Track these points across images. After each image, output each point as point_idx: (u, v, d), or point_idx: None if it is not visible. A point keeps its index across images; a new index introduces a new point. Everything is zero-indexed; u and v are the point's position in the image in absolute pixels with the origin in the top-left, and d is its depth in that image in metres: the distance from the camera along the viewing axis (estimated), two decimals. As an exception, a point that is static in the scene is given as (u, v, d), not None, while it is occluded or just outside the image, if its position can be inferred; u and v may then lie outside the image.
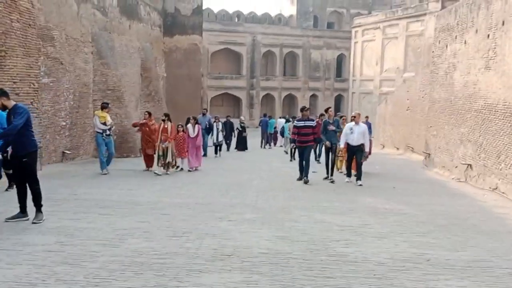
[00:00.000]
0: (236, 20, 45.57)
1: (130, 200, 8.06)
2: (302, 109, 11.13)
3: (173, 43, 24.73)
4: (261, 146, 23.95)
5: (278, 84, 45.17)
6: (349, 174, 11.12)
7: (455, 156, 12.33)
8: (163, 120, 12.41)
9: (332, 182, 10.95)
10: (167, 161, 12.02)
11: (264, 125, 24.01)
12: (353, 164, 11.02)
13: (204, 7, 43.33)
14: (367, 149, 10.98)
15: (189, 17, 24.86)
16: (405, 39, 32.93)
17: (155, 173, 11.83)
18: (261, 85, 44.46)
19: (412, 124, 19.45)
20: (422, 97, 18.12)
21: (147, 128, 12.91)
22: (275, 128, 26.58)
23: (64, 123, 14.34)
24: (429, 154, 14.71)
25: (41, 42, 12.87)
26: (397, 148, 21.22)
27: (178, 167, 12.79)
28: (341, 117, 13.24)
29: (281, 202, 8.40)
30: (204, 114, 18.14)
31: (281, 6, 50.33)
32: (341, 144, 10.96)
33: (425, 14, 30.89)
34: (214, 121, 18.46)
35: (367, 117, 17.05)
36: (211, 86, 42.29)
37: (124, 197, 8.37)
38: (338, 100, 47.86)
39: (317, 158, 15.41)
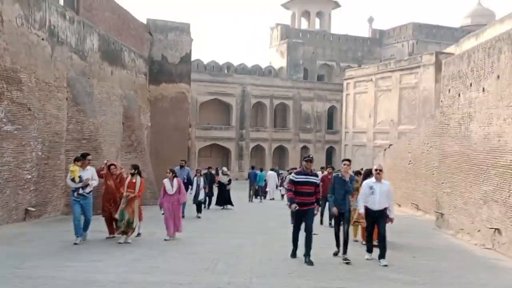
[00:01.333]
0: (226, 71, 44.97)
1: (87, 279, 6.25)
2: (306, 159, 8.35)
3: (159, 91, 23.45)
4: (249, 200, 22.73)
5: (268, 136, 43.98)
6: (369, 249, 8.52)
7: (477, 218, 10.74)
8: (131, 174, 10.09)
9: (348, 263, 8.02)
10: (127, 225, 9.59)
11: (252, 178, 23.01)
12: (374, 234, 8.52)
13: (193, 58, 42.73)
14: (392, 215, 8.41)
15: (176, 65, 23.74)
16: (398, 92, 32.22)
17: (119, 242, 9.49)
18: (250, 136, 43.22)
19: (415, 179, 17.97)
20: (427, 150, 16.75)
21: (111, 182, 10.30)
22: (265, 180, 26.06)
23: (29, 176, 12.59)
24: (441, 214, 13.12)
25: (4, 85, 11.37)
26: (399, 205, 19.59)
27: (139, 234, 10.22)
28: (357, 173, 10.77)
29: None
30: (182, 167, 15.70)
31: (271, 59, 50.12)
32: (361, 209, 8.46)
33: (418, 67, 30.36)
34: (195, 175, 16.19)
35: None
36: (199, 136, 40.92)
37: (81, 274, 6.55)
38: (330, 153, 46.68)
39: (330, 221, 12.09)
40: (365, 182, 8.64)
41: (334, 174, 9.73)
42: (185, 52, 23.98)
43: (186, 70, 24.09)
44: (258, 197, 23.64)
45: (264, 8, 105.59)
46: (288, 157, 44.53)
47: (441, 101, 13.06)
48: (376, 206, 8.29)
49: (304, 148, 45.60)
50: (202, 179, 16.13)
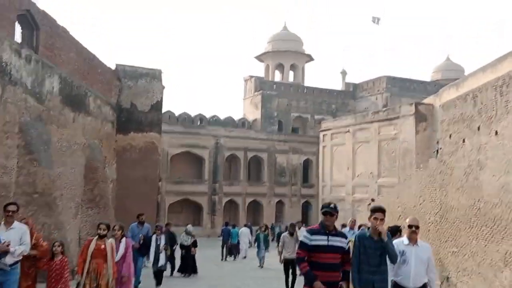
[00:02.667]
0: (199, 123, 43.62)
1: None
2: (326, 211, 5.65)
3: (127, 141, 21.70)
4: (222, 259, 21.50)
5: (242, 190, 42.16)
6: None
7: (496, 283, 9.19)
8: (100, 236, 7.67)
9: None
10: None
11: (226, 235, 21.90)
12: None
13: (165, 109, 41.29)
14: None
15: (146, 113, 22.19)
16: (377, 143, 31.39)
17: None
18: (224, 191, 41.32)
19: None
20: (420, 204, 15.35)
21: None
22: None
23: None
24: (447, 277, 11.53)
25: None
26: (389, 264, 17.89)
27: None
28: (397, 229, 8.11)
29: None
30: (141, 222, 12.78)
31: (245, 110, 49.25)
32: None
33: (397, 117, 29.75)
34: (154, 233, 13.07)
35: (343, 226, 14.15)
36: (170, 191, 38.77)
37: None
38: (306, 208, 45.07)
39: None
40: (394, 242, 6.18)
41: (358, 233, 6.46)
42: (156, 100, 22.53)
43: (156, 118, 22.54)
44: (232, 255, 22.27)
45: (237, 60, 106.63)
46: (262, 212, 42.64)
47: (440, 149, 11.81)
48: (410, 283, 5.98)
49: (280, 203, 43.91)
50: (163, 237, 12.96)
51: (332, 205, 5.76)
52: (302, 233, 6.33)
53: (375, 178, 31.19)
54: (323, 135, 36.63)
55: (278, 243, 24.22)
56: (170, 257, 14.54)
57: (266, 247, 17.49)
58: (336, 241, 5.68)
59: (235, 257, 22.11)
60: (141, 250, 12.34)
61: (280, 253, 12.45)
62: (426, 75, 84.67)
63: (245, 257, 23.89)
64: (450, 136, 11.54)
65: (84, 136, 17.73)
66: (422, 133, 28.20)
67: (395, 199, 17.78)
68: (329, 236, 5.62)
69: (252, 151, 42.75)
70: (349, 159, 33.67)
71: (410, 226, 6.41)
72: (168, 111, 42.17)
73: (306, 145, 44.89)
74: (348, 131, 33.97)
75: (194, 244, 15.56)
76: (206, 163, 40.89)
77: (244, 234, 24.77)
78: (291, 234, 12.88)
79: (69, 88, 16.25)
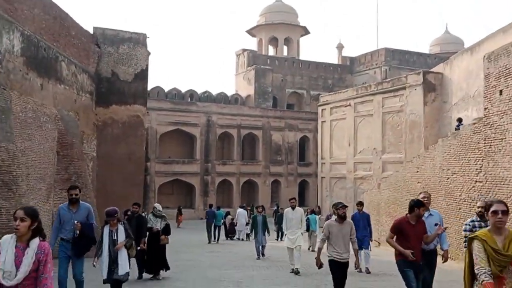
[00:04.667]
0: (189, 99, 41.20)
1: None
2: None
3: (108, 114, 19.33)
4: (209, 242, 20.31)
5: (236, 169, 40.03)
6: None
7: None
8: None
9: None
10: None
11: (210, 218, 20.93)
12: None
13: (153, 85, 39.00)
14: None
15: (130, 83, 19.76)
16: (381, 117, 29.17)
17: None
18: (216, 170, 39.16)
19: (429, 215, 14.33)
20: (448, 178, 13.26)
21: None
22: (231, 219, 23.99)
23: None
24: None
25: None
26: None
27: None
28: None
29: None
30: (73, 202, 7.32)
31: (238, 86, 46.85)
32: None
33: (404, 88, 27.51)
34: (107, 222, 7.49)
35: (360, 204, 12.03)
36: (159, 171, 36.53)
37: None
38: (302, 187, 43.13)
39: None
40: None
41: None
42: (141, 68, 20.07)
43: (141, 89, 20.12)
44: (215, 239, 20.93)
45: (229, 34, 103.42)
46: (258, 192, 40.62)
47: (485, 109, 9.62)
48: None
49: (275, 182, 41.90)
50: (121, 229, 7.35)
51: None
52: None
53: (379, 154, 29.09)
54: (322, 110, 34.33)
55: (278, 224, 22.75)
56: (140, 256, 10.08)
57: (264, 232, 14.14)
58: None
59: (217, 240, 20.92)
60: (76, 249, 7.16)
61: (320, 249, 7.36)
62: (424, 48, 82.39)
63: (242, 239, 22.72)
64: (500, 93, 9.33)
65: (55, 107, 15.34)
66: (431, 104, 26.06)
67: (414, 174, 15.69)
68: None
69: (245, 129, 40.49)
70: (350, 135, 31.49)
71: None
72: (157, 87, 39.73)
73: (302, 121, 42.75)
74: (349, 105, 31.72)
75: (166, 230, 10.61)
76: (197, 142, 38.62)
77: (241, 216, 23.25)
78: (342, 218, 7.13)
79: (35, 49, 13.79)
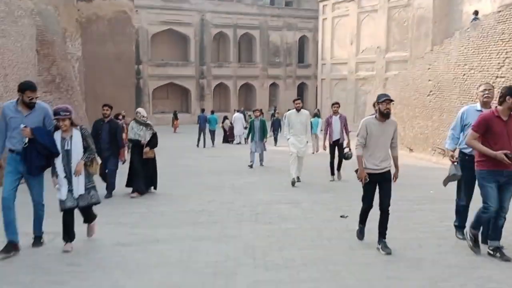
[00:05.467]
0: (181, -4, 38.56)
1: None
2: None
3: (92, 10, 17.68)
4: (198, 145, 20.23)
5: (233, 72, 38.61)
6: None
7: None
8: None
9: None
10: None
11: (202, 122, 20.67)
12: None
13: (141, -19, 36.23)
14: None
15: (114, -26, 17.86)
16: (386, 12, 27.26)
17: None
18: (212, 73, 37.76)
19: (440, 115, 13.55)
20: (464, 74, 12.21)
21: None
22: (230, 123, 23.42)
23: None
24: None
25: None
26: (410, 150, 15.35)
27: None
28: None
29: None
30: (28, 104, 5.16)
31: (232, -18, 43.73)
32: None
33: (413, -21, 25.33)
34: (57, 128, 5.26)
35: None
36: (153, 75, 35.14)
37: None
38: (301, 89, 42.03)
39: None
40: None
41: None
42: (125, -44, 18.03)
43: (127, -19, 18.25)
44: (206, 142, 20.66)
45: None
46: (255, 96, 39.58)
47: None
48: None
49: (273, 85, 40.72)
50: (76, 135, 5.25)
51: None
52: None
53: (383, 52, 27.64)
54: (323, 6, 32.12)
55: (275, 130, 22.17)
56: (112, 162, 8.58)
57: (263, 138, 12.74)
58: None
59: (213, 144, 20.90)
60: (28, 163, 5.16)
61: (361, 157, 5.81)
62: None
63: (239, 143, 22.36)
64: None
65: (31, 0, 13.74)
66: (442, -3, 24.14)
67: (425, 71, 14.60)
68: None
69: (242, 28, 38.38)
70: (353, 33, 29.73)
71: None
72: (145, -17, 36.94)
73: (302, 20, 40.49)
74: (353, 0, 29.57)
75: (152, 141, 8.72)
76: (191, 43, 36.74)
77: (238, 120, 22.59)
78: (385, 115, 6.11)
79: None
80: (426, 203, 7.72)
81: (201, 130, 20.45)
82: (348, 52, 30.24)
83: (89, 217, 5.54)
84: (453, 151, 5.54)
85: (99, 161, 6.80)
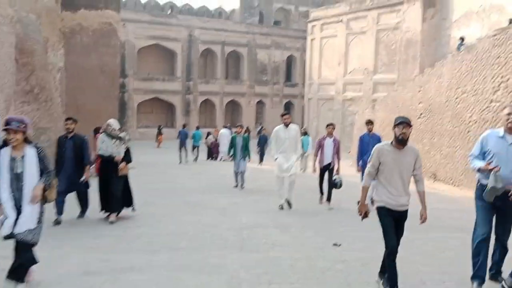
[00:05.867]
0: (169, 12, 38.30)
1: None
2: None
3: (77, 20, 17.15)
4: (180, 162, 19.92)
5: (220, 88, 38.27)
6: None
7: None
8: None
9: None
10: None
11: (183, 137, 20.45)
12: None
13: (129, -5, 35.92)
14: None
15: (100, -16, 17.41)
16: (375, 34, 27.35)
17: None
18: (199, 89, 37.37)
19: (431, 138, 13.27)
20: (456, 98, 11.97)
21: None
22: (214, 139, 23.54)
23: None
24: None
25: None
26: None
27: None
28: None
29: None
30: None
31: (221, 0, 43.66)
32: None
33: (401, 3, 25.46)
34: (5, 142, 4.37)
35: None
36: (138, 89, 34.58)
37: None
38: (288, 108, 41.77)
39: None
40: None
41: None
42: (112, -33, 17.64)
43: (114, -8, 17.82)
44: (188, 158, 20.75)
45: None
46: (242, 113, 39.22)
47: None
48: None
49: (260, 103, 40.45)
50: (33, 155, 4.28)
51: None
52: None
53: (371, 74, 27.63)
54: (312, 26, 32.13)
55: (261, 147, 21.55)
56: (81, 185, 7.59)
57: (246, 156, 11.62)
58: None
59: (195, 159, 21.12)
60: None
61: (366, 188, 5.96)
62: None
63: (224, 160, 21.77)
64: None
65: (12, 8, 13.18)
66: (430, 21, 24.26)
67: (415, 93, 14.36)
68: None
69: (230, 46, 38.19)
70: (341, 53, 29.73)
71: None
72: (133, -3, 36.62)
73: (290, 39, 40.52)
74: (341, 21, 29.62)
75: (128, 156, 7.77)
76: (178, 58, 36.38)
77: (224, 136, 22.16)
78: (402, 142, 6.42)
79: None
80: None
81: (182, 145, 20.19)
82: (336, 72, 30.18)
83: (21, 267, 4.09)
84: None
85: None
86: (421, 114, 13.79)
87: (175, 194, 10.63)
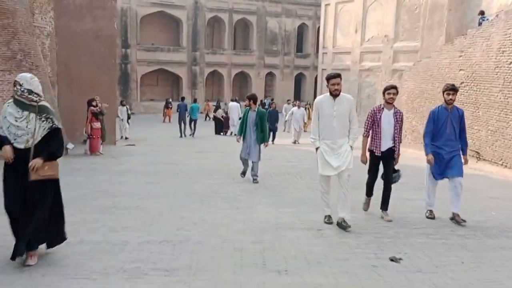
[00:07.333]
0: (173, -23, 36.05)
1: None
2: None
3: (67, -21, 15.27)
4: (180, 136, 19.42)
5: (227, 59, 36.27)
6: None
7: None
8: None
9: None
10: None
11: (182, 111, 19.88)
12: None
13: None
14: None
15: None
16: (396, -2, 25.08)
17: None
18: (206, 60, 35.39)
19: (474, 111, 11.43)
20: (511, 63, 10.05)
21: None
22: (224, 113, 22.45)
23: None
24: None
25: None
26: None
27: None
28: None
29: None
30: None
31: (229, -35, 41.19)
32: None
33: (427, -38, 23.12)
34: None
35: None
36: (142, 60, 32.74)
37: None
38: (299, 80, 39.87)
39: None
40: None
41: None
42: None
43: None
44: (186, 132, 19.90)
45: None
46: (251, 85, 37.29)
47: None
48: None
49: (270, 75, 38.45)
50: None
51: None
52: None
53: (391, 42, 25.52)
54: (327, -9, 29.82)
55: (269, 124, 18.72)
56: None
57: (260, 140, 8.73)
58: None
59: (192, 134, 19.90)
60: None
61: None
62: None
63: (235, 135, 20.05)
64: None
65: (-13, -40, 11.34)
66: (459, -17, 21.99)
67: (455, 59, 12.45)
68: None
69: (238, 13, 35.99)
70: (358, 20, 27.56)
71: None
72: (135, -39, 34.37)
73: (301, 7, 38.19)
74: (359, -16, 27.32)
75: (52, 146, 4.14)
76: (184, 27, 34.32)
77: (233, 110, 20.61)
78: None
79: None
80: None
81: (181, 119, 19.74)
82: (352, 40, 28.09)
83: None
84: None
85: None
86: (461, 83, 11.90)
87: (177, 180, 8.93)
